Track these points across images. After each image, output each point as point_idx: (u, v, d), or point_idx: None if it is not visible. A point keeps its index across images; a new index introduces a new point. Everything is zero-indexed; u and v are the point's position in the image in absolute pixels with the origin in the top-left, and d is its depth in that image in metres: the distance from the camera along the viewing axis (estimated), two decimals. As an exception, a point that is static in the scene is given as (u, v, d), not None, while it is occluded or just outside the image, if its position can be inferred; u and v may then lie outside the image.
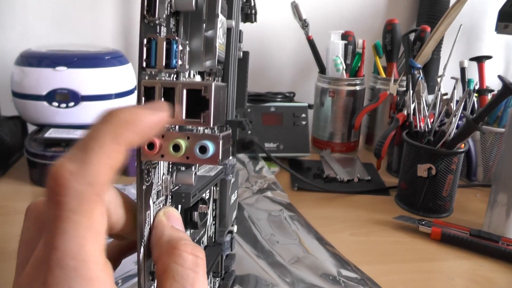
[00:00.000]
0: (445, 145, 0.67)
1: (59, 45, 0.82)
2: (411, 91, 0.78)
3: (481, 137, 0.80)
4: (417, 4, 1.11)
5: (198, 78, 0.28)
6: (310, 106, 0.92)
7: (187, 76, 0.26)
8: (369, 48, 0.97)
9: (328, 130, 0.95)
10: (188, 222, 0.28)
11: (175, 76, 0.24)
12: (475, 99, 0.83)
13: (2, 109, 0.85)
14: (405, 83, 0.86)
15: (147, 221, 0.23)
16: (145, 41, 0.21)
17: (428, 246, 0.59)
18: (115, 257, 0.27)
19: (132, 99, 0.83)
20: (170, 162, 0.25)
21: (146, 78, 0.22)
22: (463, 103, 0.66)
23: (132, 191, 0.68)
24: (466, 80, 0.84)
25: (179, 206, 0.27)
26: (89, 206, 0.18)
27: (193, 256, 0.22)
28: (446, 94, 0.76)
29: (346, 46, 0.93)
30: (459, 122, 0.68)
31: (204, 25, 0.24)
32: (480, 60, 0.86)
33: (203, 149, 0.21)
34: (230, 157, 0.38)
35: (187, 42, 0.24)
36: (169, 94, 0.21)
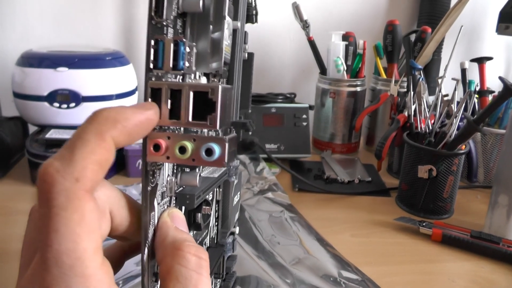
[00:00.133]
0: (446, 146, 0.67)
1: (60, 45, 0.82)
2: (412, 92, 0.78)
3: (482, 139, 0.80)
4: (417, 5, 1.12)
5: (203, 80, 0.28)
6: (311, 107, 0.92)
7: (192, 77, 0.26)
8: (370, 49, 0.98)
9: (329, 131, 0.96)
10: (192, 224, 0.28)
11: (181, 77, 0.24)
12: (476, 100, 0.84)
13: (3, 109, 0.85)
14: (405, 84, 0.86)
15: (151, 222, 0.23)
16: (152, 42, 0.21)
17: (429, 247, 0.59)
18: (118, 258, 0.27)
19: (133, 100, 0.83)
20: (175, 164, 0.25)
21: (153, 79, 0.22)
22: (463, 104, 0.66)
23: (133, 192, 0.69)
24: (467, 81, 0.84)
25: (183, 208, 0.27)
26: (78, 202, 0.18)
27: (197, 258, 0.22)
28: (447, 95, 0.76)
29: (347, 47, 0.93)
30: (460, 123, 0.68)
31: (211, 26, 0.24)
32: (481, 61, 0.86)
33: (209, 152, 0.21)
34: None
35: (194, 43, 0.24)
36: (176, 96, 0.21)
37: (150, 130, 0.22)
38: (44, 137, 0.72)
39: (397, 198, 0.74)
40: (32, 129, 0.82)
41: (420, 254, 0.58)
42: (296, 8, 0.92)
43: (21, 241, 0.23)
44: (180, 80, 0.24)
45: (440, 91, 0.73)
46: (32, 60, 0.75)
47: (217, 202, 0.36)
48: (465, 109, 0.68)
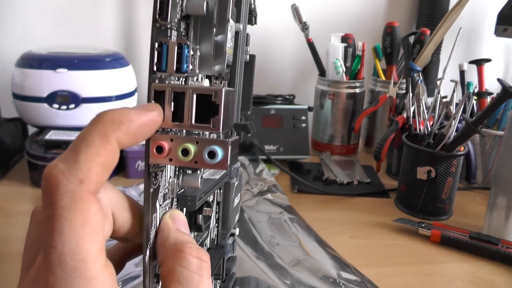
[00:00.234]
0: (445, 148, 0.67)
1: (59, 47, 0.82)
2: (411, 94, 0.78)
3: (481, 140, 0.81)
4: (416, 7, 1.12)
5: (206, 82, 0.28)
6: (310, 109, 0.93)
7: (195, 80, 0.26)
8: (369, 51, 0.98)
9: (328, 132, 0.96)
10: (193, 225, 0.28)
11: (184, 80, 0.24)
12: (475, 102, 0.84)
13: (2, 111, 0.85)
14: (404, 86, 0.86)
15: (153, 224, 0.23)
16: (156, 45, 0.22)
17: (428, 248, 0.59)
18: (119, 259, 0.27)
19: (132, 101, 0.84)
20: (177, 166, 0.25)
21: (156, 81, 0.22)
22: (462, 106, 0.66)
23: (132, 193, 0.69)
24: (466, 83, 0.85)
25: (184, 209, 0.27)
26: (82, 204, 0.19)
27: (198, 260, 0.22)
28: (445, 97, 0.77)
29: (346, 48, 0.93)
30: (459, 125, 0.68)
31: (215, 29, 0.25)
32: (479, 63, 0.87)
33: (212, 154, 0.21)
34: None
35: (198, 46, 0.24)
36: (179, 99, 0.22)
37: (154, 132, 0.22)
38: (44, 138, 0.73)
39: (396, 199, 0.74)
40: (31, 130, 0.82)
41: (419, 255, 0.58)
42: (295, 10, 0.92)
43: (21, 242, 0.23)
44: (183, 83, 0.24)
45: (439, 92, 0.74)
46: (32, 61, 0.76)
47: (218, 203, 0.36)
48: (464, 111, 0.68)
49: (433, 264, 0.56)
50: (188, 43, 0.22)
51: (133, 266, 0.48)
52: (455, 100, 0.72)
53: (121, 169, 0.76)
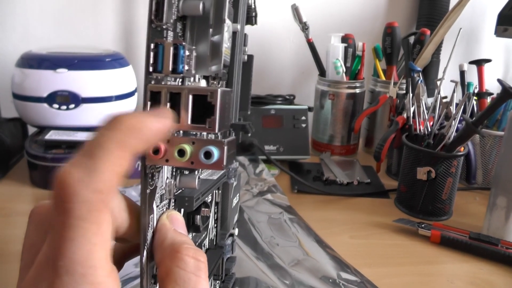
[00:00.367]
0: (445, 148, 0.67)
1: (59, 47, 0.82)
2: (411, 94, 0.78)
3: (481, 140, 0.80)
4: (416, 7, 1.12)
5: (203, 82, 0.28)
6: (310, 109, 0.93)
7: (192, 80, 0.26)
8: (369, 51, 0.98)
9: (328, 132, 0.96)
10: (191, 226, 0.28)
11: (180, 80, 0.24)
12: (475, 102, 0.84)
13: (2, 110, 0.85)
14: (404, 86, 0.86)
15: (150, 225, 0.23)
16: (152, 45, 0.22)
17: (428, 249, 0.59)
18: (118, 260, 0.27)
19: (132, 102, 0.84)
20: (174, 166, 0.25)
21: (152, 82, 0.22)
22: (462, 106, 0.66)
23: (132, 193, 0.69)
24: (466, 83, 0.85)
25: (182, 210, 0.27)
26: (97, 213, 0.18)
27: (195, 260, 0.22)
28: (445, 97, 0.76)
29: (346, 49, 0.93)
30: (459, 125, 0.68)
31: (211, 30, 0.25)
32: (479, 63, 0.87)
33: (208, 155, 0.21)
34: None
35: (194, 47, 0.24)
36: (175, 99, 0.22)
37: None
38: (44, 138, 0.73)
39: (396, 199, 0.74)
40: (31, 130, 0.82)
41: (418, 256, 0.58)
42: (296, 10, 0.92)
43: (21, 242, 0.23)
44: (180, 83, 0.24)
45: (439, 93, 0.74)
46: (32, 61, 0.76)
47: (216, 204, 0.36)
48: (464, 111, 0.68)
49: (433, 265, 0.56)
50: (184, 43, 0.22)
51: (133, 267, 0.48)
52: (455, 101, 0.72)
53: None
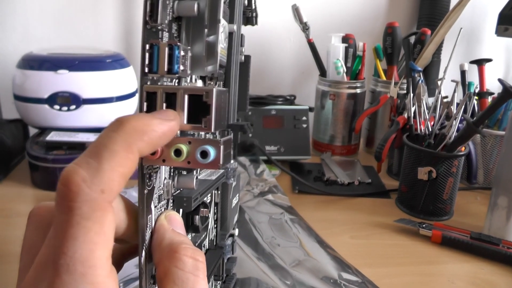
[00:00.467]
0: (446, 148, 0.67)
1: (60, 48, 0.82)
2: (412, 94, 0.78)
3: (482, 140, 0.80)
4: (417, 7, 1.12)
5: (199, 83, 0.28)
6: (310, 109, 0.93)
7: (188, 81, 0.26)
8: (369, 51, 0.98)
9: (329, 133, 0.96)
10: (190, 226, 0.28)
11: (177, 81, 0.24)
12: (476, 102, 0.84)
13: (3, 112, 0.85)
14: (405, 86, 0.86)
15: (148, 225, 0.23)
16: (147, 46, 0.22)
17: (429, 249, 0.59)
18: (117, 260, 0.27)
19: (133, 102, 0.84)
20: (172, 167, 0.25)
21: (148, 83, 0.22)
22: (463, 106, 0.66)
23: (133, 194, 0.69)
24: (467, 83, 0.84)
25: (181, 210, 0.27)
26: (100, 213, 0.19)
27: (193, 260, 0.22)
28: (446, 97, 0.76)
29: (346, 49, 0.93)
30: (460, 125, 0.68)
31: (206, 30, 0.25)
32: (480, 63, 0.86)
33: (204, 154, 0.21)
34: (232, 161, 0.38)
35: (189, 47, 0.24)
36: (171, 99, 0.22)
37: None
38: (45, 139, 0.73)
39: (397, 199, 0.74)
40: (32, 131, 0.82)
41: (419, 256, 0.58)
42: (296, 10, 0.92)
43: (21, 243, 0.23)
44: (176, 84, 0.24)
45: (439, 93, 0.74)
46: (33, 62, 0.76)
47: (216, 204, 0.36)
48: (465, 111, 0.68)
49: (434, 265, 0.56)
50: (179, 44, 0.22)
51: (134, 268, 0.48)
52: (456, 100, 0.72)
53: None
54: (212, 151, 0.21)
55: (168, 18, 0.23)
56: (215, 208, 0.36)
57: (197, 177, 0.26)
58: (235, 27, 0.30)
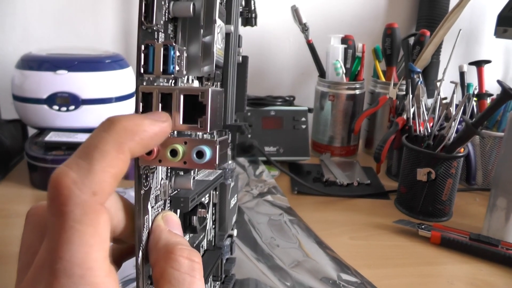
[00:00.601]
0: (445, 149, 0.67)
1: (59, 48, 0.82)
2: (411, 95, 0.78)
3: (481, 141, 0.80)
4: (416, 8, 1.12)
5: (196, 84, 0.28)
6: (310, 110, 0.93)
7: (185, 81, 0.26)
8: (368, 52, 0.98)
9: (328, 134, 0.96)
10: (187, 227, 0.28)
11: (173, 81, 0.24)
12: (475, 104, 0.84)
13: (2, 112, 0.85)
14: (404, 87, 0.86)
15: (145, 226, 0.23)
16: (143, 47, 0.22)
17: (428, 250, 0.59)
18: (115, 261, 0.27)
19: (132, 103, 0.84)
20: (169, 167, 0.25)
21: (144, 84, 0.22)
22: (462, 107, 0.66)
23: (131, 194, 0.68)
24: (466, 84, 0.84)
25: (178, 211, 0.27)
26: (93, 215, 0.18)
27: (189, 261, 0.22)
28: (445, 98, 0.76)
29: (346, 50, 0.93)
30: (459, 126, 0.68)
31: (202, 30, 0.25)
32: (479, 64, 0.86)
33: (200, 154, 0.21)
34: (230, 161, 0.38)
35: (185, 48, 0.24)
36: (167, 100, 0.22)
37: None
38: (44, 139, 0.73)
39: (396, 200, 0.74)
40: (31, 131, 0.82)
41: (419, 257, 0.58)
42: (295, 11, 0.92)
43: (20, 244, 0.23)
44: (173, 84, 0.24)
45: (438, 94, 0.74)
46: (32, 63, 0.76)
47: (214, 205, 0.36)
48: (464, 112, 0.68)
49: (433, 266, 0.56)
50: (174, 44, 0.22)
51: (133, 268, 0.47)
52: (455, 102, 0.72)
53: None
54: (208, 151, 0.21)
55: (163, 19, 0.23)
56: (213, 208, 0.36)
57: (194, 178, 0.26)
58: (232, 27, 0.30)
